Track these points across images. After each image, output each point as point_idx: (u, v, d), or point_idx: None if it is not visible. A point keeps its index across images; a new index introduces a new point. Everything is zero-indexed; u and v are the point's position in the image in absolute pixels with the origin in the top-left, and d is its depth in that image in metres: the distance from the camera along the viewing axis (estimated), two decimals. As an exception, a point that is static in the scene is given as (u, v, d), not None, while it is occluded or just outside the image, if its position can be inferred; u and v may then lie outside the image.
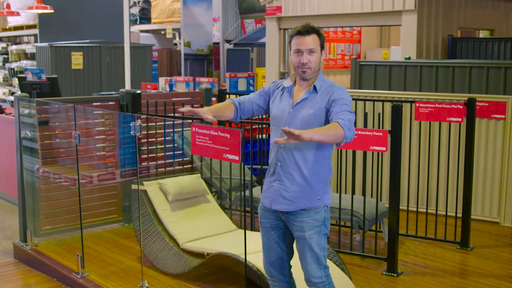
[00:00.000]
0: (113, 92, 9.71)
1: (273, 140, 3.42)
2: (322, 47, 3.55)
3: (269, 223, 3.66)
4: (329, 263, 4.15)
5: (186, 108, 3.56)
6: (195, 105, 6.78)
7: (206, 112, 3.52)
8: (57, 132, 6.34)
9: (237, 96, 8.66)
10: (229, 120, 3.77)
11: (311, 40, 3.49)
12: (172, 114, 6.46)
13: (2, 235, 6.83)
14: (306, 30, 3.49)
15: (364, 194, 5.48)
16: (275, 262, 3.70)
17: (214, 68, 16.31)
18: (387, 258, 5.24)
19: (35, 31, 13.67)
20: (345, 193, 6.52)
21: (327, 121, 3.48)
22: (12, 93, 13.93)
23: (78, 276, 5.19)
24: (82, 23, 13.78)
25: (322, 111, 3.48)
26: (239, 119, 3.77)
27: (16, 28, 14.72)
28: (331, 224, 4.12)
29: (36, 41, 13.63)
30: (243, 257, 4.39)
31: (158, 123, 6.72)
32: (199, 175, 5.84)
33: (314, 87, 3.53)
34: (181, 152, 6.48)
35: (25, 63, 14.28)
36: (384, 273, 5.22)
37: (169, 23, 16.19)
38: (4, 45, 16.09)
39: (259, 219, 3.73)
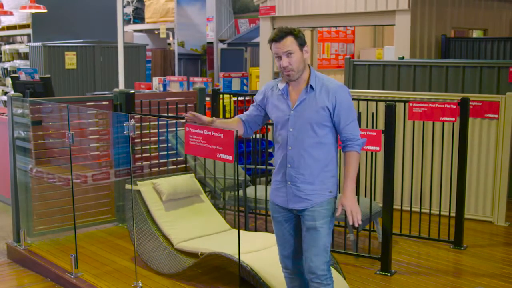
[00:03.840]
0: (106, 92, 9.70)
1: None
2: (302, 45, 3.55)
3: (282, 216, 3.73)
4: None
5: (190, 113, 3.70)
6: (189, 105, 6.77)
7: (212, 121, 3.66)
8: (50, 132, 6.32)
9: (231, 96, 8.68)
10: (241, 135, 3.83)
11: (286, 43, 3.50)
12: (166, 114, 6.45)
13: (-5, 235, 6.81)
14: (279, 36, 3.52)
15: (358, 193, 5.48)
16: (290, 254, 3.77)
17: (208, 67, 16.30)
18: (381, 257, 5.25)
19: (29, 30, 13.64)
20: (339, 192, 6.52)
21: (330, 120, 3.54)
22: (5, 93, 13.88)
23: (72, 276, 5.18)
24: (75, 22, 13.76)
25: (325, 111, 3.53)
26: (251, 133, 3.86)
27: (9, 27, 14.68)
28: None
29: (29, 41, 13.60)
30: (237, 256, 4.39)
31: (152, 123, 6.71)
32: (193, 175, 5.84)
33: (311, 86, 3.56)
34: (175, 152, 6.47)
35: (18, 62, 14.25)
36: (378, 272, 5.23)
37: (162, 23, 16.17)
38: (-3, 44, 16.05)
39: (271, 214, 3.80)
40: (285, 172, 3.63)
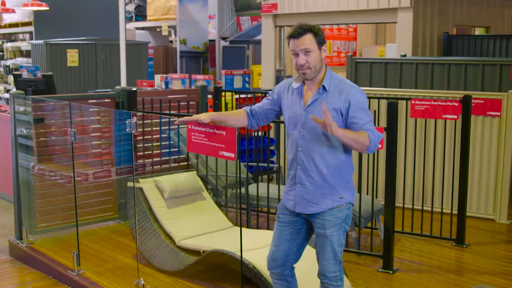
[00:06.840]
0: (108, 90, 9.71)
1: (310, 116, 3.37)
2: (320, 44, 3.47)
3: (286, 218, 3.68)
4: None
5: (182, 119, 3.65)
6: (191, 103, 6.77)
7: (206, 119, 3.56)
8: (52, 129, 6.32)
9: (233, 93, 8.72)
10: (243, 126, 3.79)
11: (304, 40, 3.42)
12: (168, 111, 6.45)
13: (-2, 232, 6.82)
14: (298, 33, 3.43)
15: (359, 191, 5.48)
16: (279, 258, 3.70)
17: (209, 65, 16.30)
18: (383, 255, 5.25)
19: (31, 28, 13.65)
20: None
21: (342, 122, 3.44)
22: (8, 91, 13.90)
23: (74, 274, 5.19)
24: (77, 20, 13.77)
25: (337, 112, 3.43)
26: (256, 126, 3.80)
27: (11, 25, 14.70)
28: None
29: (31, 38, 13.62)
30: (239, 254, 4.39)
31: (154, 121, 6.71)
32: (195, 172, 5.84)
33: (323, 87, 3.49)
34: (177, 149, 6.47)
35: (20, 60, 14.26)
36: (380, 270, 5.23)
37: (164, 21, 16.18)
38: (-1, 42, 16.07)
39: (277, 213, 3.75)
40: (295, 174, 3.57)
